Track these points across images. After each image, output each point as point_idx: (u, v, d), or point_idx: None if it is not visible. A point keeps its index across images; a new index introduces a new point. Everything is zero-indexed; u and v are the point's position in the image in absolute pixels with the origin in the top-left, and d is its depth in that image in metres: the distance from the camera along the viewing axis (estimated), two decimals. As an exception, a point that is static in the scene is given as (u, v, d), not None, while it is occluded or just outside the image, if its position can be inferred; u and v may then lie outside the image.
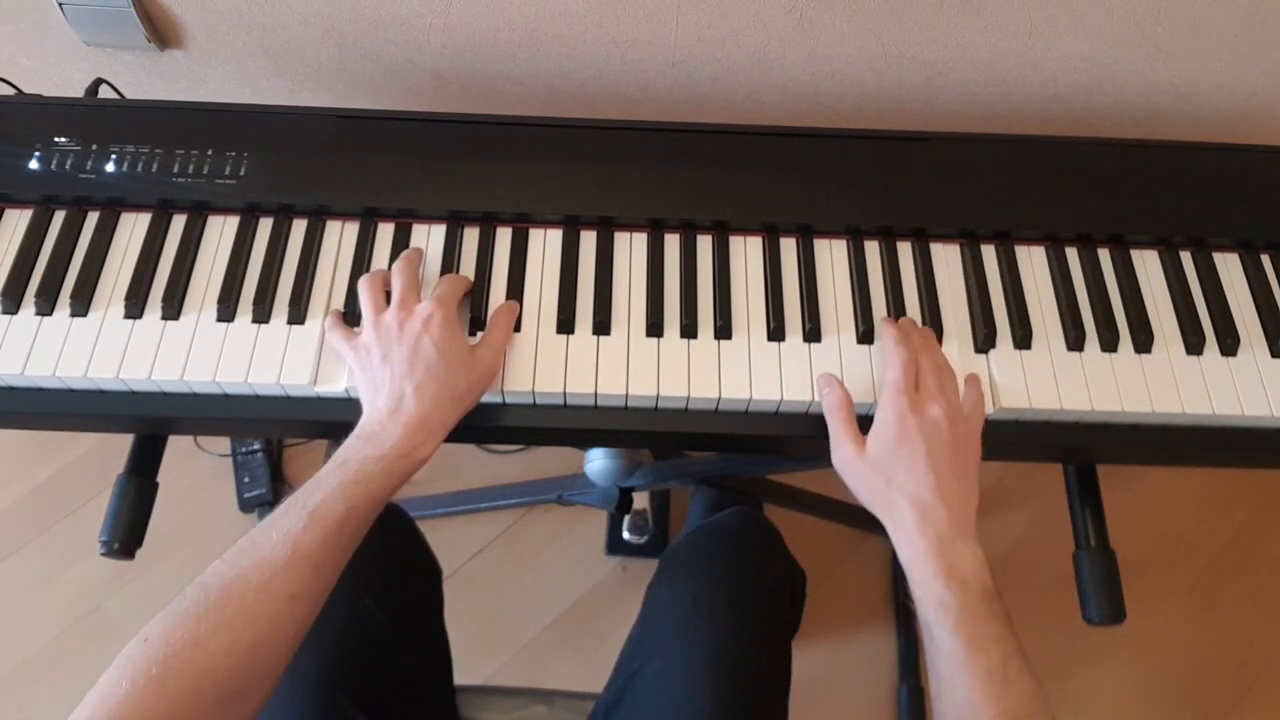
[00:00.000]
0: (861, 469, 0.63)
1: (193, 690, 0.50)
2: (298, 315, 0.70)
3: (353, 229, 0.75)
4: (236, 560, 0.55)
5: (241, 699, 0.53)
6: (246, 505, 1.38)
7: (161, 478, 0.74)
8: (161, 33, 0.93)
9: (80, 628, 1.32)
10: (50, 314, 0.70)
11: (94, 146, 0.75)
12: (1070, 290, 0.74)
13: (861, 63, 0.91)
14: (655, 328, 0.70)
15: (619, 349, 0.69)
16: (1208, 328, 0.72)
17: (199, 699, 0.50)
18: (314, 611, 0.57)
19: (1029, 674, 0.56)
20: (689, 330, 0.70)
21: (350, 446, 0.61)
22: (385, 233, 0.75)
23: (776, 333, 0.70)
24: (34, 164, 0.74)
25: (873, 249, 0.75)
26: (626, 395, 0.68)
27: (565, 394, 0.68)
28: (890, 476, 0.62)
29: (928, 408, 0.63)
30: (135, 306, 0.70)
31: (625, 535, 1.36)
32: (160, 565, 1.33)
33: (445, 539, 1.37)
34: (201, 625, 0.51)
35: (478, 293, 0.71)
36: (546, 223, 0.75)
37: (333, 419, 0.68)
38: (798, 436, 0.69)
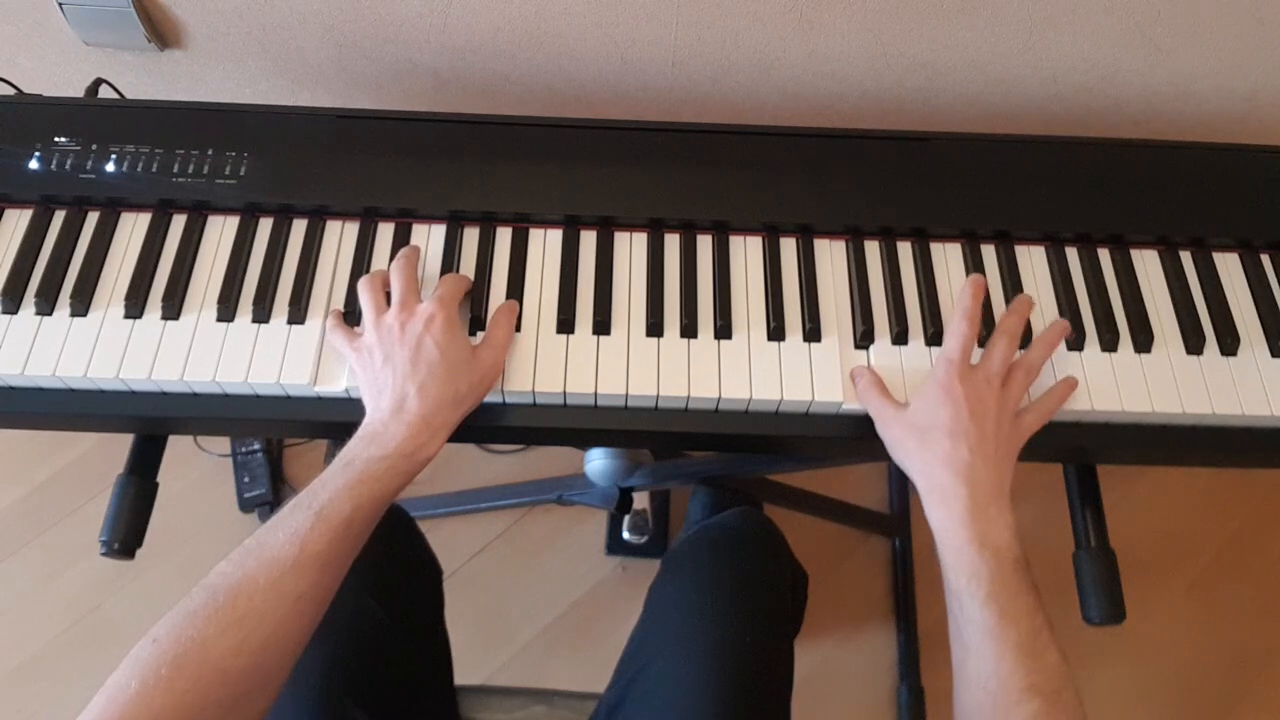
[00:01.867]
0: (898, 427, 0.64)
1: (202, 690, 0.50)
2: (298, 315, 0.70)
3: (353, 229, 0.75)
4: (243, 561, 0.55)
5: (250, 699, 0.53)
6: (246, 505, 1.38)
7: (161, 478, 0.74)
8: (161, 33, 0.93)
9: (80, 628, 1.32)
10: (50, 314, 0.70)
11: (94, 146, 0.75)
12: (1070, 290, 0.74)
13: (861, 63, 0.91)
14: (655, 328, 0.70)
15: (619, 349, 0.69)
16: (1208, 328, 0.72)
17: (207, 698, 0.50)
18: (320, 611, 0.57)
19: (1056, 648, 0.56)
20: (689, 330, 0.70)
21: (354, 447, 0.61)
22: (385, 233, 0.75)
23: (776, 333, 0.70)
24: (34, 164, 0.74)
25: (873, 249, 0.75)
26: (626, 395, 0.68)
27: (565, 394, 0.68)
28: (928, 435, 0.61)
29: (979, 384, 0.62)
30: (135, 306, 0.70)
31: (625, 535, 1.36)
32: (160, 565, 1.33)
33: (445, 539, 1.37)
34: (210, 626, 0.51)
35: (478, 292, 0.71)
36: (546, 223, 0.75)
37: (333, 419, 0.68)
38: (797, 436, 0.69)
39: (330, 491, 0.58)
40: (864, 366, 0.69)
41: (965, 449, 0.60)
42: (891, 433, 0.65)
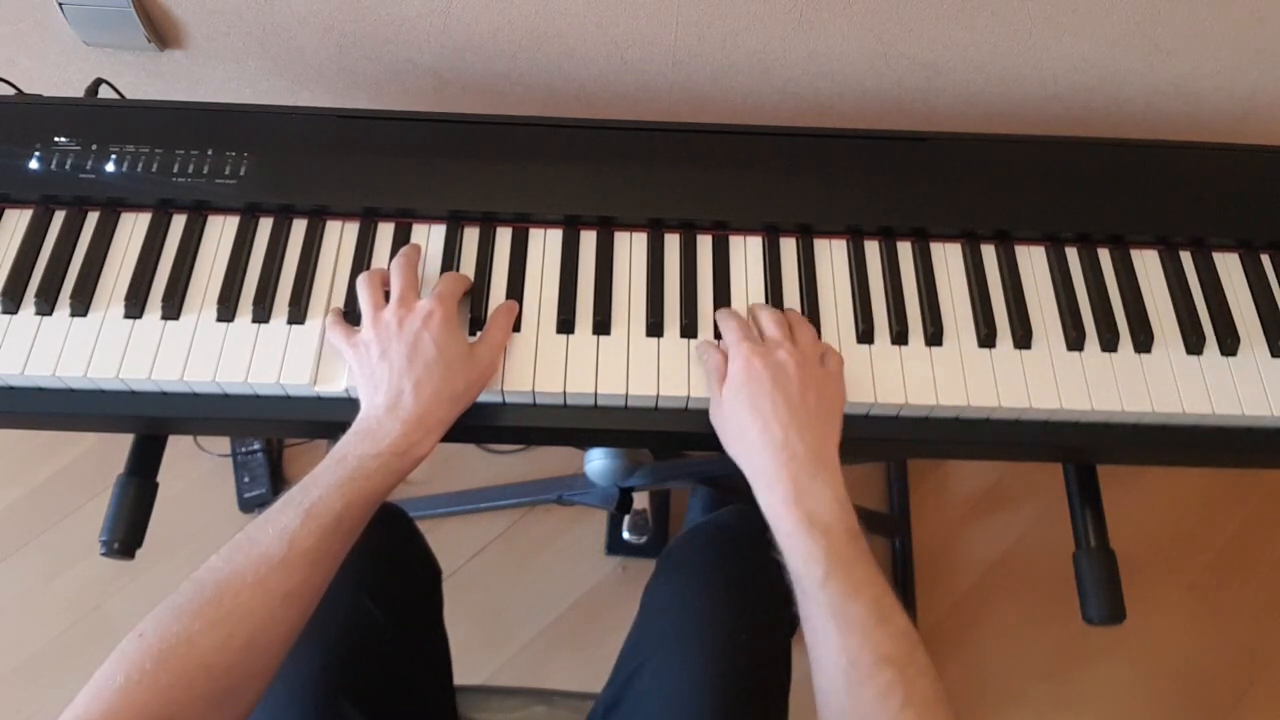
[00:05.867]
0: (719, 416, 0.64)
1: (186, 685, 0.50)
2: (298, 315, 0.70)
3: (353, 229, 0.75)
4: (232, 556, 0.55)
5: (235, 696, 0.53)
6: (246, 505, 1.38)
7: (161, 478, 0.74)
8: (161, 33, 0.93)
9: (80, 628, 1.32)
10: (50, 314, 0.70)
11: (94, 146, 0.75)
12: (1070, 290, 0.74)
13: (861, 63, 0.91)
14: (655, 328, 0.70)
15: (619, 349, 0.69)
16: (1208, 328, 0.72)
17: (192, 694, 0.50)
18: (309, 609, 0.57)
19: (900, 611, 0.56)
20: (689, 330, 0.70)
21: (347, 443, 0.61)
22: (385, 233, 0.75)
23: (776, 333, 0.70)
24: (34, 164, 0.74)
25: (873, 249, 0.75)
26: (626, 395, 0.68)
27: (565, 394, 0.68)
28: (741, 417, 0.62)
29: (774, 351, 0.63)
30: (135, 306, 0.70)
31: (625, 535, 1.36)
32: (160, 565, 1.33)
33: (445, 539, 1.37)
34: (196, 621, 0.51)
35: (478, 292, 0.71)
36: (546, 223, 0.75)
37: (333, 419, 0.68)
38: (798, 436, 0.69)
39: (321, 488, 0.58)
40: (711, 343, 0.68)
41: (778, 425, 0.60)
42: (715, 421, 0.65)
